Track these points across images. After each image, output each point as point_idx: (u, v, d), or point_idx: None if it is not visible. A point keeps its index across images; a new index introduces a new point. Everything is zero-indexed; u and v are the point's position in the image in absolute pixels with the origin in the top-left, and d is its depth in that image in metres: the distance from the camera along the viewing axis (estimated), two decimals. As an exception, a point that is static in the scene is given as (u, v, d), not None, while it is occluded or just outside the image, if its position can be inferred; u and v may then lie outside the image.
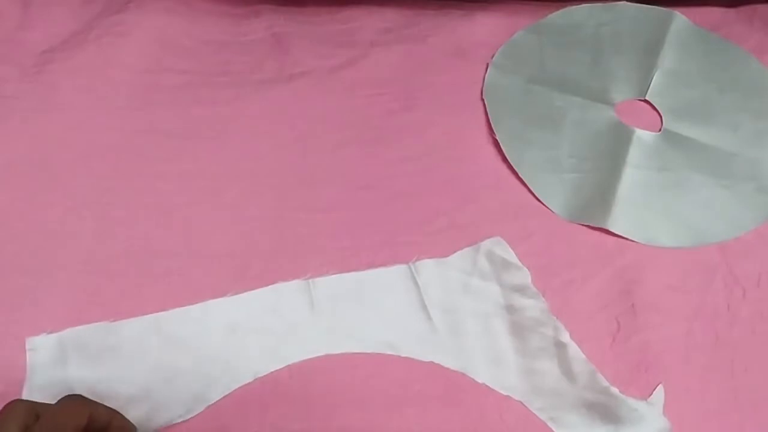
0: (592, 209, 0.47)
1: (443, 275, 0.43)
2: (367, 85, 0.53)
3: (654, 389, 0.39)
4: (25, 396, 0.37)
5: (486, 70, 0.55)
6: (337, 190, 0.47)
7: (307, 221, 0.46)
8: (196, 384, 0.38)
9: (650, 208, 0.47)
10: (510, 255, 0.43)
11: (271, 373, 0.39)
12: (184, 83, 0.53)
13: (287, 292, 0.42)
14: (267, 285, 0.42)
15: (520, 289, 0.42)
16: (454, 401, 0.39)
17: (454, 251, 0.44)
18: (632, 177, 0.48)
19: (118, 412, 0.33)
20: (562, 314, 0.42)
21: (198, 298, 0.42)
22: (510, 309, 0.42)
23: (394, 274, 0.43)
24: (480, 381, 0.39)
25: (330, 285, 0.42)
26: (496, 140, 0.50)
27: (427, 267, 0.43)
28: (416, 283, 0.43)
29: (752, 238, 0.46)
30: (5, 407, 0.30)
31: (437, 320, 0.41)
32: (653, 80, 0.55)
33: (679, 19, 0.59)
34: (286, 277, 0.43)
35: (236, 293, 0.42)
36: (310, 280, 0.42)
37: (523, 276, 0.42)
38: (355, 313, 0.42)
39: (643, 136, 0.51)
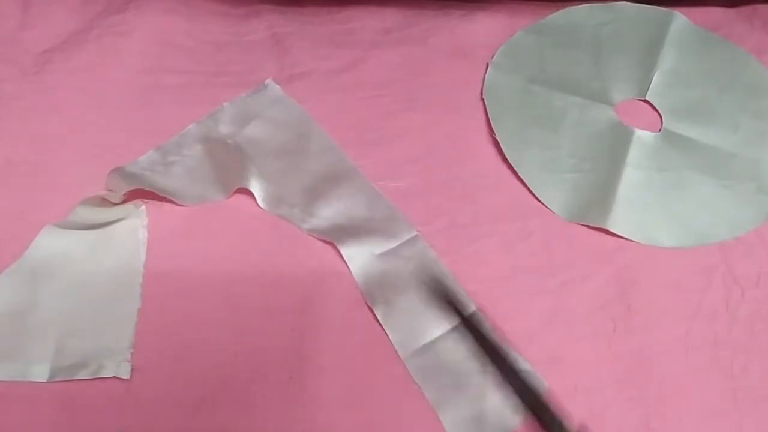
0: (592, 209, 0.47)
1: None
2: (367, 85, 0.53)
3: (652, 388, 0.39)
4: None
5: (486, 70, 0.55)
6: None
7: (307, 221, 0.46)
8: None
9: (650, 208, 0.47)
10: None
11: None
12: (184, 83, 0.53)
13: None
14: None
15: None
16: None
17: (454, 251, 0.44)
18: (632, 177, 0.48)
19: None
20: (561, 314, 0.42)
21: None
22: None
23: None
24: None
25: None
26: (496, 140, 0.50)
27: None
28: None
29: (752, 238, 0.46)
30: None
31: None
32: (653, 80, 0.55)
33: (679, 19, 0.59)
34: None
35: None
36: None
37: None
38: None
39: (643, 136, 0.51)
